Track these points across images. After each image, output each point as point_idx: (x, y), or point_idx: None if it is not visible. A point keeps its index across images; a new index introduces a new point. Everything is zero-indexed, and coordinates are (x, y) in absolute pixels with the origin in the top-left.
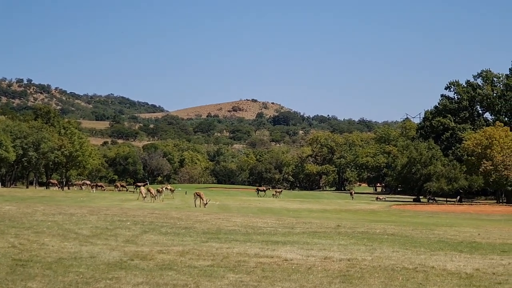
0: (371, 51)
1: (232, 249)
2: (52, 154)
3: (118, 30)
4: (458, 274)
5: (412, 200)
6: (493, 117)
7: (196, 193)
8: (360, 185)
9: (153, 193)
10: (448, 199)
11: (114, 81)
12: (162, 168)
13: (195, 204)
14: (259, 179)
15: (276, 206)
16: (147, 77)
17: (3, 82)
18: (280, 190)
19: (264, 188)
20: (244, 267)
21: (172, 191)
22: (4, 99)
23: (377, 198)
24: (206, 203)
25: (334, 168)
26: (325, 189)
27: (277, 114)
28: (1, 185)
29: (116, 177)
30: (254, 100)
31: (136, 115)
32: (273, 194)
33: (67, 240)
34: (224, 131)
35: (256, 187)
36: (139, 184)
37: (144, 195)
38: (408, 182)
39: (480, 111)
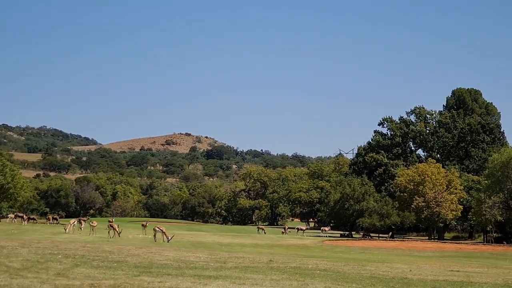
0: (303, 86)
1: (164, 283)
2: None
3: (52, 61)
4: None
5: (339, 236)
6: (425, 154)
7: (158, 227)
8: (292, 220)
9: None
10: (380, 235)
11: (47, 113)
12: (95, 201)
13: (154, 239)
14: (192, 213)
15: (208, 240)
16: (81, 109)
17: None
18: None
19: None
20: None
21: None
22: None
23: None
24: (170, 239)
25: (267, 203)
26: (257, 224)
27: (210, 148)
28: None
29: (48, 209)
30: (187, 134)
31: (69, 147)
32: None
33: None
34: (157, 164)
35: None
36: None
37: (74, 227)
38: (340, 218)
39: (412, 148)
